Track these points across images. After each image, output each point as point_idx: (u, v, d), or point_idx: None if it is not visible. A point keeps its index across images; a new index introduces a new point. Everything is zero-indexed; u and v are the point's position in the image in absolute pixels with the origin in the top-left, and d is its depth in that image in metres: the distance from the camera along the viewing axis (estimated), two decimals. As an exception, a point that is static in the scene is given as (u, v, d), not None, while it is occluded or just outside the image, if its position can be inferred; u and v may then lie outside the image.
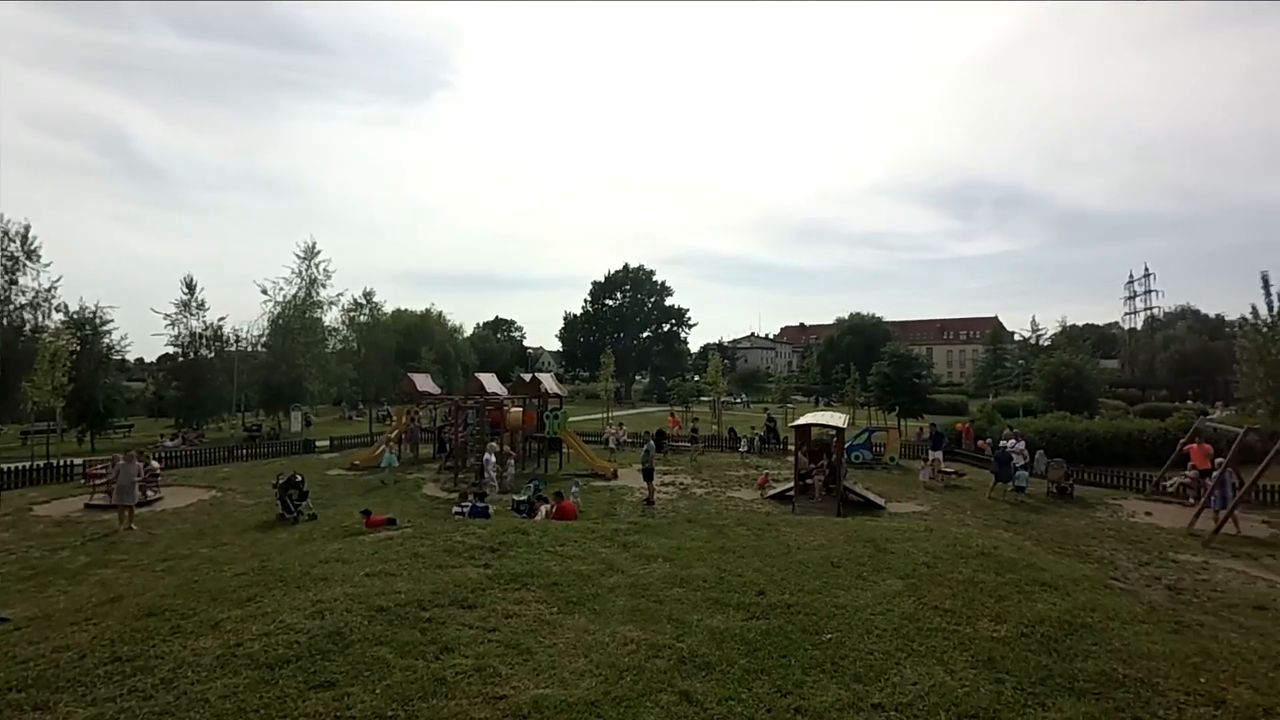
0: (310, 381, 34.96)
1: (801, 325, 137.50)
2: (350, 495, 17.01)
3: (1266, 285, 24.67)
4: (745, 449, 25.08)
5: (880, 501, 15.72)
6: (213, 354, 33.14)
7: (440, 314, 60.44)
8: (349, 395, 45.10)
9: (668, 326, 76.65)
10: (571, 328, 78.64)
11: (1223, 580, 9.97)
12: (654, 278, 75.43)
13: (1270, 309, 24.59)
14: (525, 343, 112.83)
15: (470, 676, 4.21)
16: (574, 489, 15.03)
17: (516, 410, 21.84)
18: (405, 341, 48.87)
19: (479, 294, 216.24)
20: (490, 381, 23.48)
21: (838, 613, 5.38)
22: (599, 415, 38.76)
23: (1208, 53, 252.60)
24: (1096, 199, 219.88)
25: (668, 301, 75.73)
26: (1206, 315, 76.09)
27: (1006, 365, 57.12)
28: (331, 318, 42.50)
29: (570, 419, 23.85)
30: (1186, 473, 16.56)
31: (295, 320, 35.01)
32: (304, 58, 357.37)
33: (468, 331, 74.44)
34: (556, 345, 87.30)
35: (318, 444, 27.14)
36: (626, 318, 74.79)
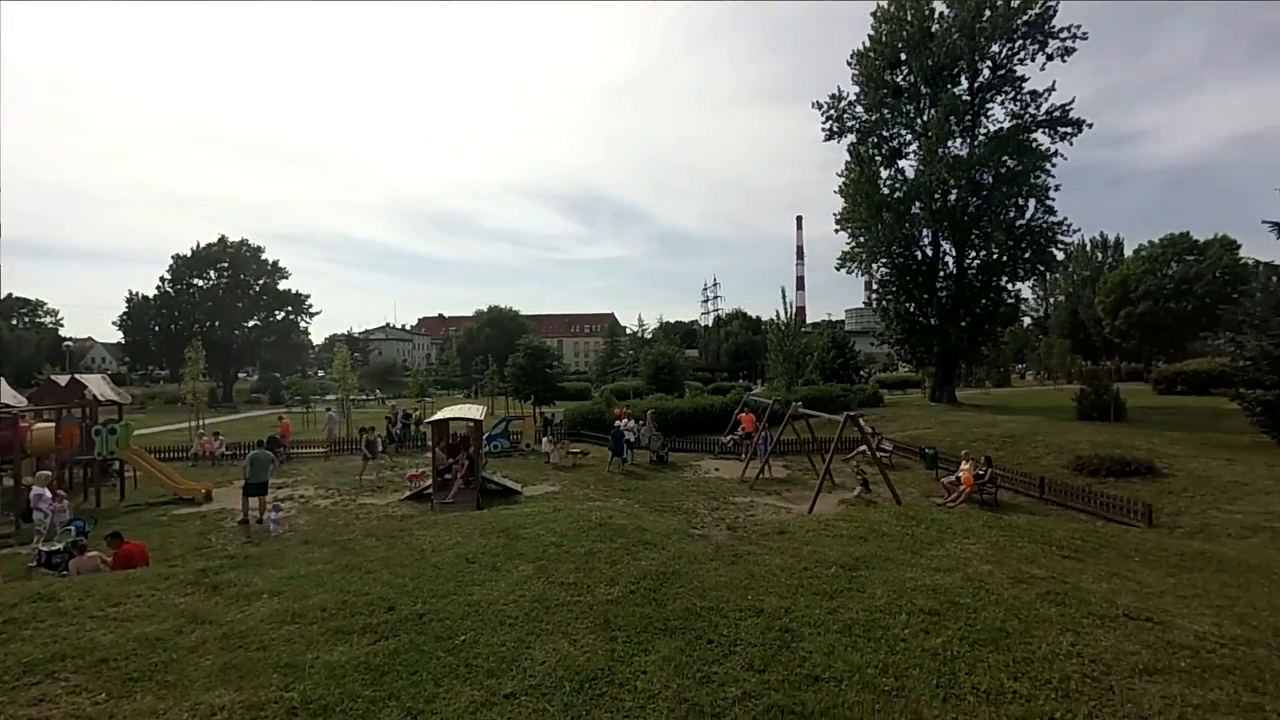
0: None
1: (441, 316, 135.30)
2: None
3: (784, 297, 35.44)
4: (382, 449, 23.37)
5: (518, 487, 16.46)
6: None
7: (-111, 290, 40.57)
8: None
9: (282, 314, 66.19)
10: (140, 313, 61.51)
11: (761, 514, 13.34)
12: (263, 256, 64.13)
13: (787, 314, 35.03)
14: (63, 332, 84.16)
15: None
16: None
17: (46, 426, 15.99)
18: None
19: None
20: (-7, 389, 16.68)
21: (472, 611, 5.34)
22: (184, 424, 31.29)
23: (755, 121, 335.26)
24: (686, 221, 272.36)
25: (282, 285, 65.35)
26: (751, 316, 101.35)
27: (620, 355, 66.23)
28: None
29: (138, 431, 18.61)
30: (734, 435, 21.99)
31: None
32: None
33: (-49, 317, 51.68)
34: (117, 335, 67.13)
35: None
36: (224, 302, 61.83)
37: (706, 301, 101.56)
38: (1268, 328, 18.35)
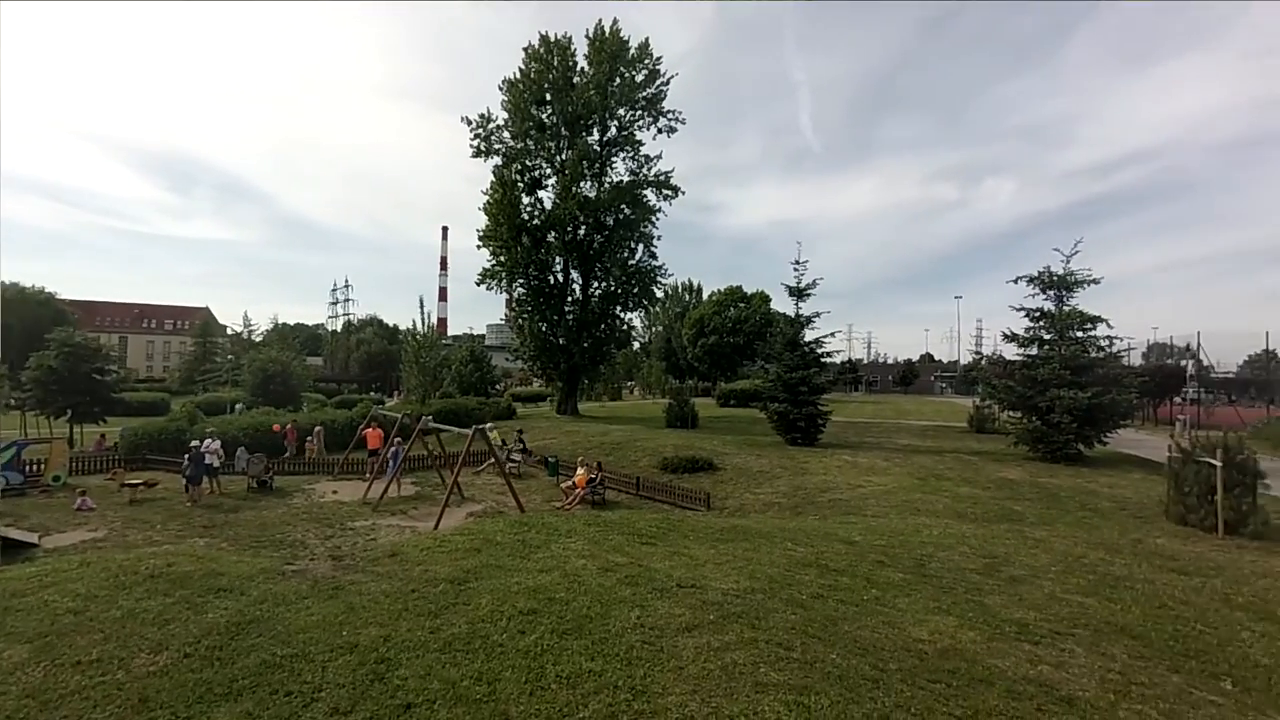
0: None
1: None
2: None
3: (423, 306, 34.48)
4: None
5: (33, 539, 11.99)
6: None
7: None
8: None
9: None
10: None
11: (381, 537, 12.45)
12: None
13: (426, 324, 34.13)
14: None
15: None
16: None
17: None
18: None
19: None
20: None
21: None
22: None
23: (409, 120, 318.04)
24: (317, 211, 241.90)
25: None
26: (389, 324, 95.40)
27: (217, 360, 54.85)
28: None
29: None
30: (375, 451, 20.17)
31: None
32: None
33: None
34: None
35: None
36: None
37: (336, 304, 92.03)
38: (782, 359, 25.40)
